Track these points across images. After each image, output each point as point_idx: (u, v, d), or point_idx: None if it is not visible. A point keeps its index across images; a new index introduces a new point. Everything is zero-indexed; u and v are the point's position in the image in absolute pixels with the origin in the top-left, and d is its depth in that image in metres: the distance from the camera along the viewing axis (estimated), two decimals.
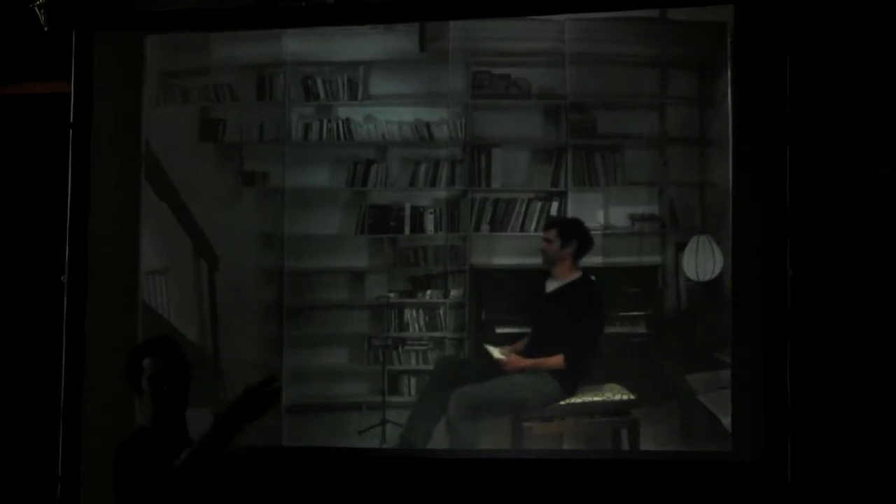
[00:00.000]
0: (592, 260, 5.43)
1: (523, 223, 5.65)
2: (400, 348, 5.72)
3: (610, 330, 5.38)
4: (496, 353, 5.42)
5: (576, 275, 5.40)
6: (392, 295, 5.73)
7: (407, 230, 5.72)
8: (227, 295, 5.56)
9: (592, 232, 5.46)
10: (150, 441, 3.63)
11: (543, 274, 5.46)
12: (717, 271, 5.14)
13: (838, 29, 5.01)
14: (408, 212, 5.72)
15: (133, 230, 5.44)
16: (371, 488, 5.10)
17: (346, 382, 5.74)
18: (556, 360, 5.29)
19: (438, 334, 5.66)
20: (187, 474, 3.42)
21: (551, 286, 5.43)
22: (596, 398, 5.26)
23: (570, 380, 5.27)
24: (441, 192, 5.67)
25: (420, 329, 5.71)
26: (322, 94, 5.75)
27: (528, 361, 5.35)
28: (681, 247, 5.30)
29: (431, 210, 5.68)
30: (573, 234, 5.42)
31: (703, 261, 5.19)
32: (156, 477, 3.48)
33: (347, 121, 5.78)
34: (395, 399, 5.62)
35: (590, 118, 5.54)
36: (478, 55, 5.61)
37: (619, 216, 5.52)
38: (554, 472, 5.06)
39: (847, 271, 5.00)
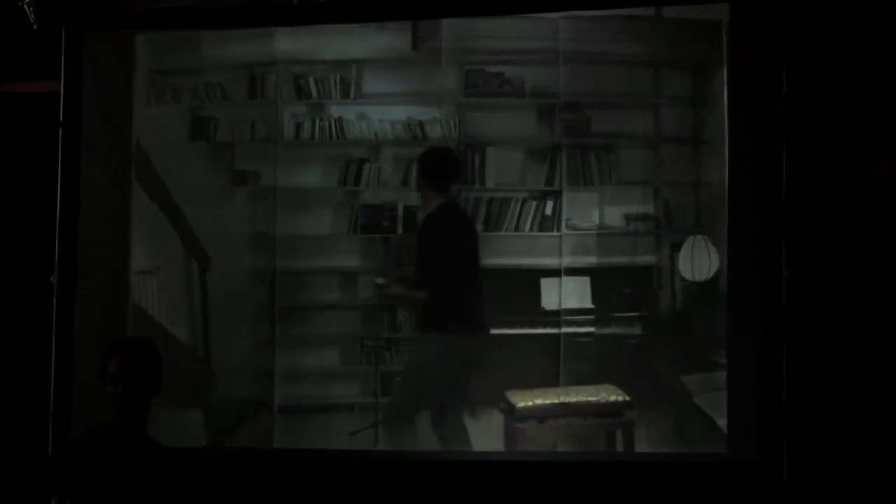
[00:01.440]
0: (587, 260, 5.43)
1: (517, 223, 5.63)
2: (393, 349, 5.69)
3: (605, 331, 5.37)
4: (378, 279, 5.51)
5: (433, 206, 5.43)
6: None
7: (400, 230, 5.69)
8: (218, 295, 5.53)
9: (587, 232, 5.47)
10: (107, 439, 3.72)
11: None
12: (713, 272, 5.13)
13: (834, 27, 4.99)
14: (401, 211, 5.70)
15: (123, 230, 5.41)
16: (363, 490, 5.07)
17: (339, 383, 5.71)
18: (422, 295, 5.33)
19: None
20: None
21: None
22: (591, 399, 5.24)
23: (443, 317, 5.30)
24: None
25: (413, 329, 5.67)
26: (314, 93, 5.73)
27: (399, 292, 5.46)
28: (676, 247, 5.29)
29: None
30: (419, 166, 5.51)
31: (699, 261, 5.18)
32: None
33: (340, 120, 5.76)
34: (387, 400, 5.59)
35: (584, 117, 5.52)
36: (471, 53, 5.60)
37: (614, 216, 5.51)
38: (548, 473, 5.05)
39: (843, 272, 4.99)
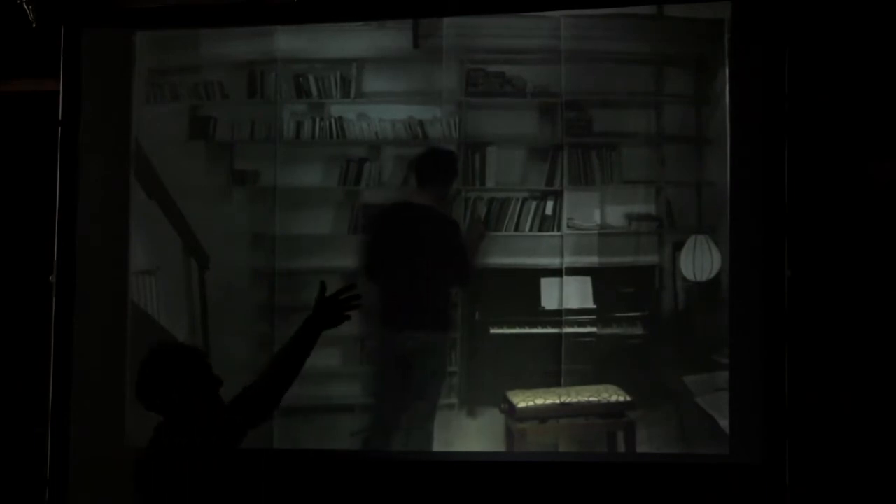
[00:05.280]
0: (588, 260, 5.40)
1: (518, 223, 5.61)
2: None
3: (606, 331, 5.34)
4: None
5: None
6: None
7: None
8: (217, 295, 5.51)
9: (588, 232, 5.46)
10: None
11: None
12: (715, 271, 5.10)
13: (837, 25, 4.97)
14: None
15: (122, 229, 5.39)
16: (363, 491, 5.05)
17: (339, 383, 5.68)
18: None
19: None
20: (260, 405, 3.54)
21: None
22: (592, 399, 5.22)
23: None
24: None
25: None
26: (314, 92, 5.71)
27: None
28: (678, 246, 5.27)
29: None
30: None
31: (701, 261, 5.16)
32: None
33: (340, 119, 5.74)
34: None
35: (586, 116, 5.51)
36: (472, 52, 5.58)
37: (616, 215, 5.49)
38: (549, 474, 5.02)
39: (846, 272, 4.96)
